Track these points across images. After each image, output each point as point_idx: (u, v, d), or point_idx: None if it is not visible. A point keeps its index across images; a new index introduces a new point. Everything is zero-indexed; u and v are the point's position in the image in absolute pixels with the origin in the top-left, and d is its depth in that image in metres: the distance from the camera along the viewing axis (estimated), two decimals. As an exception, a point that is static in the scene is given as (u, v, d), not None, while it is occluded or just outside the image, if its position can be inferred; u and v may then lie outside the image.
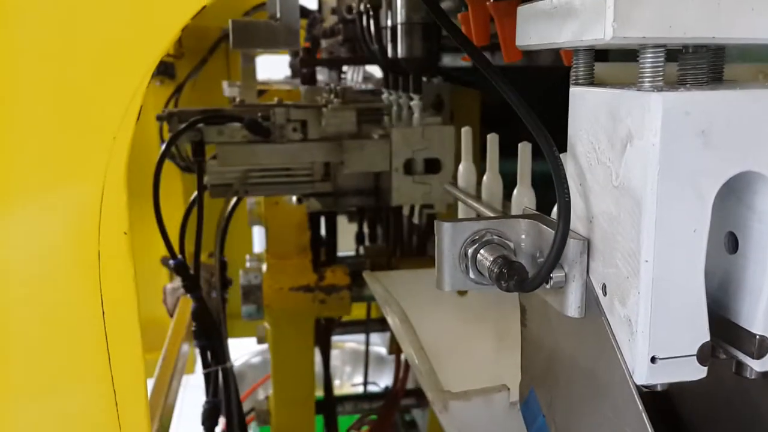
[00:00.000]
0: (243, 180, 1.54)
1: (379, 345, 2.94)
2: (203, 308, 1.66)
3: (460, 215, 1.06)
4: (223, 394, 1.76)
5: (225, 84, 2.68)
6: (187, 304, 2.27)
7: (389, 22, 1.55)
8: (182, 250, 1.56)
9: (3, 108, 0.40)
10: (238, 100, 1.81)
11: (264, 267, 2.00)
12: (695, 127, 0.47)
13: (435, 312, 1.13)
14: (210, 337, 1.70)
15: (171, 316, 2.63)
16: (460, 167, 1.08)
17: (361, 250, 2.27)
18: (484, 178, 0.99)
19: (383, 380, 2.88)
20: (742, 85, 0.49)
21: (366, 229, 2.35)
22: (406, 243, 1.93)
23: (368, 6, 1.60)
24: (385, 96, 1.77)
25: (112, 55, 0.40)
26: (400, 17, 1.42)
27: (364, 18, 1.64)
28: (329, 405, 2.36)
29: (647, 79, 0.48)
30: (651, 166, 0.47)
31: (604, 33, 0.45)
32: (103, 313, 0.44)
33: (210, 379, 1.75)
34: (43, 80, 0.41)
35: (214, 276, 1.98)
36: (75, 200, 0.42)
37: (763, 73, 0.71)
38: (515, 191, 0.93)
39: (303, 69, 2.26)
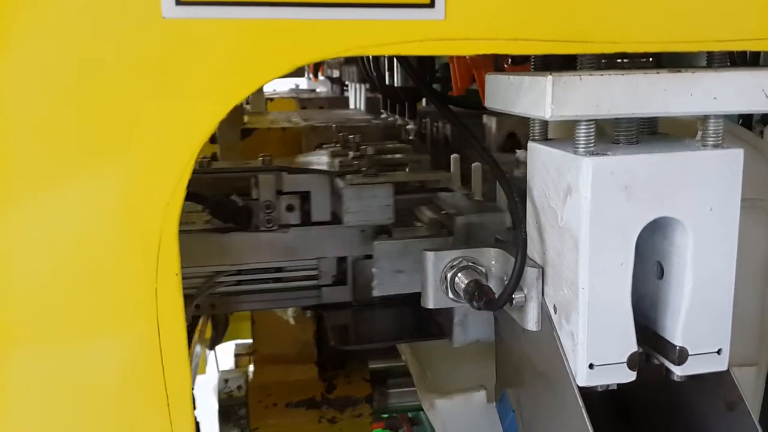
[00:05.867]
0: (207, 289, 0.98)
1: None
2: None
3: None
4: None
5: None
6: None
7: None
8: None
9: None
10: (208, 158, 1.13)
11: (250, 371, 1.47)
12: (619, 184, 0.59)
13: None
14: None
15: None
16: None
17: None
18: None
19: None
20: (660, 147, 0.62)
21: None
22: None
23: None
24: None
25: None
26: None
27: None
28: None
29: (581, 145, 0.60)
30: (584, 214, 0.59)
31: (545, 112, 0.58)
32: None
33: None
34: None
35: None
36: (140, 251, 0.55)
37: (701, 120, 0.83)
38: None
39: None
